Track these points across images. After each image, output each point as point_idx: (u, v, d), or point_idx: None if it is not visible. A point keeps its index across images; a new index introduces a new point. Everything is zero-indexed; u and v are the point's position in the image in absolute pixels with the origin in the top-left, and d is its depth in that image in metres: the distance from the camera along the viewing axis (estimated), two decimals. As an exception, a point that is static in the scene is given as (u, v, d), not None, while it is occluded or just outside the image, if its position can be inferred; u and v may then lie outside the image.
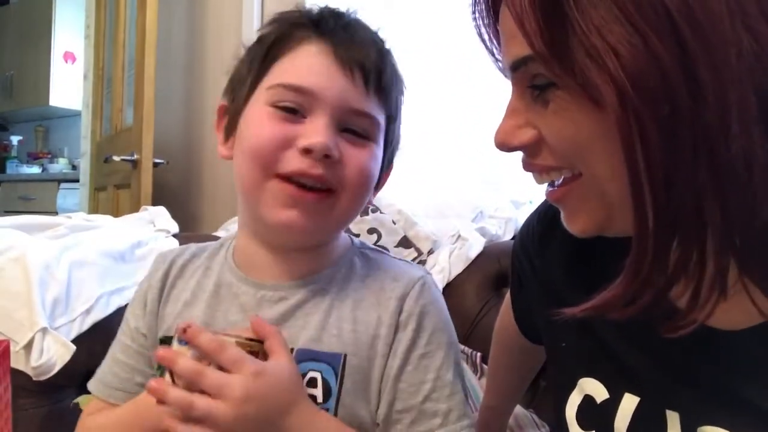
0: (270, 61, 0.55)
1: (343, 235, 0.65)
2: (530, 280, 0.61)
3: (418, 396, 0.55)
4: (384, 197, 1.33)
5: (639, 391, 0.45)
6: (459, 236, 1.22)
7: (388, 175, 0.66)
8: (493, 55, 0.47)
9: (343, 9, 0.60)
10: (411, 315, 0.57)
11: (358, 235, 1.27)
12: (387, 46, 0.60)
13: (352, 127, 0.55)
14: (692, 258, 0.35)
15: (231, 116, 0.59)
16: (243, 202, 0.59)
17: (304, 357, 0.55)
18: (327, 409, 0.54)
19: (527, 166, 0.44)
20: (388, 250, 1.25)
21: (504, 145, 0.42)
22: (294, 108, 0.53)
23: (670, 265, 0.35)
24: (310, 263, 0.59)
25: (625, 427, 0.44)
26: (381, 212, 1.31)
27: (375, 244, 1.26)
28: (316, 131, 0.52)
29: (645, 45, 0.32)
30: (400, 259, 0.65)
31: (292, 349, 0.55)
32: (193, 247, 0.66)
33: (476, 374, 1.01)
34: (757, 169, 0.32)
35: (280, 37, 0.56)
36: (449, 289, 1.14)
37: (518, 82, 0.41)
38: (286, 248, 0.59)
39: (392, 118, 0.60)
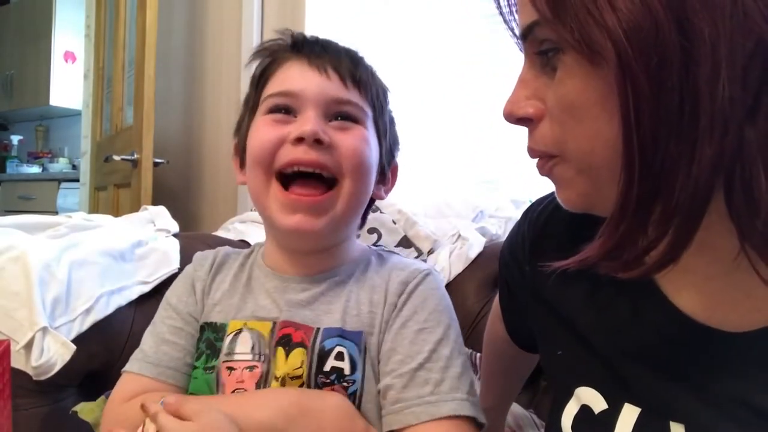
0: (261, 87, 0.65)
1: (359, 243, 0.71)
2: (520, 286, 0.59)
3: (412, 363, 0.57)
4: (384, 197, 1.33)
5: (639, 401, 0.42)
6: (459, 236, 1.22)
7: (394, 173, 0.72)
8: (513, 31, 0.46)
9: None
10: (411, 296, 0.62)
11: (358, 236, 1.27)
12: (360, 55, 0.67)
13: (339, 114, 0.62)
14: (673, 217, 0.34)
15: (241, 147, 0.67)
16: (260, 213, 0.65)
17: (331, 334, 0.60)
18: (353, 381, 0.59)
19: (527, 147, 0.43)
20: (387, 250, 1.25)
21: (510, 115, 0.41)
22: (285, 108, 0.61)
23: (649, 225, 0.35)
24: (330, 261, 0.66)
25: None
26: (381, 212, 1.31)
27: (375, 243, 1.26)
28: (304, 122, 0.59)
29: None
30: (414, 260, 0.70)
31: (318, 329, 0.61)
32: (226, 248, 0.74)
33: (476, 374, 1.01)
34: (732, 127, 0.32)
35: (266, 66, 0.66)
36: (449, 289, 1.13)
37: (528, 52, 0.40)
38: (304, 251, 0.65)
39: (378, 111, 0.66)
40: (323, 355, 0.59)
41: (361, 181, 0.62)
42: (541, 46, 0.38)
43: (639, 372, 0.43)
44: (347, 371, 0.58)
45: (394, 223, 1.29)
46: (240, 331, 0.62)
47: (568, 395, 0.48)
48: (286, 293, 0.64)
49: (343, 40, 0.68)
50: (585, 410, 0.45)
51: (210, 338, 0.64)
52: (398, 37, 1.70)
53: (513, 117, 0.41)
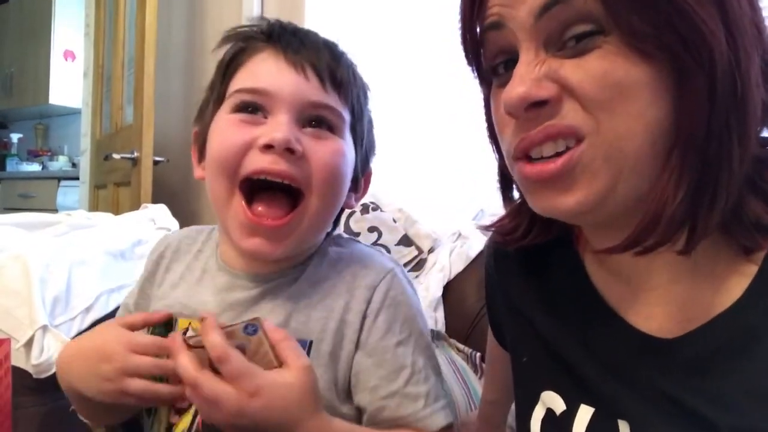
0: (229, 77, 0.59)
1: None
2: (497, 292, 0.60)
3: (399, 381, 0.57)
4: (384, 196, 1.33)
5: (593, 401, 0.44)
6: (459, 234, 1.22)
7: (368, 180, 0.68)
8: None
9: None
10: (383, 305, 0.59)
11: (358, 234, 1.27)
12: (341, 50, 0.61)
13: (314, 120, 0.56)
14: (703, 205, 0.36)
15: (201, 138, 0.61)
16: (218, 221, 0.61)
17: None
18: None
19: (528, 130, 0.39)
20: (388, 248, 1.25)
21: (527, 97, 0.37)
22: (254, 107, 0.55)
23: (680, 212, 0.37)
24: (286, 263, 0.61)
25: None
26: (381, 210, 1.31)
27: (375, 242, 1.26)
28: (275, 127, 0.53)
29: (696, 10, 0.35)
30: (370, 246, 0.67)
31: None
32: (194, 228, 0.71)
33: (476, 374, 1.01)
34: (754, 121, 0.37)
35: (236, 52, 0.59)
36: (449, 288, 1.14)
37: (539, 31, 0.37)
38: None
39: (356, 116, 0.61)
40: None
41: (330, 199, 0.58)
42: (571, 29, 0.37)
43: (592, 374, 0.45)
44: None
45: (395, 221, 1.29)
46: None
47: (535, 400, 0.50)
48: (232, 292, 0.60)
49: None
50: (549, 413, 0.48)
51: (160, 333, 0.61)
52: (400, 33, 1.69)
53: (530, 99, 0.37)
